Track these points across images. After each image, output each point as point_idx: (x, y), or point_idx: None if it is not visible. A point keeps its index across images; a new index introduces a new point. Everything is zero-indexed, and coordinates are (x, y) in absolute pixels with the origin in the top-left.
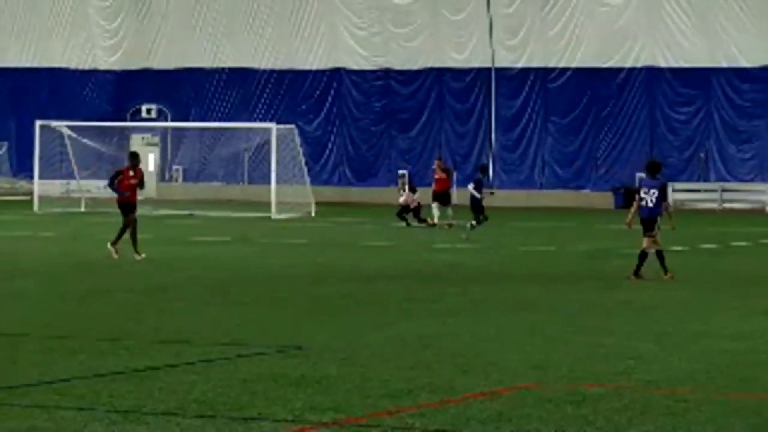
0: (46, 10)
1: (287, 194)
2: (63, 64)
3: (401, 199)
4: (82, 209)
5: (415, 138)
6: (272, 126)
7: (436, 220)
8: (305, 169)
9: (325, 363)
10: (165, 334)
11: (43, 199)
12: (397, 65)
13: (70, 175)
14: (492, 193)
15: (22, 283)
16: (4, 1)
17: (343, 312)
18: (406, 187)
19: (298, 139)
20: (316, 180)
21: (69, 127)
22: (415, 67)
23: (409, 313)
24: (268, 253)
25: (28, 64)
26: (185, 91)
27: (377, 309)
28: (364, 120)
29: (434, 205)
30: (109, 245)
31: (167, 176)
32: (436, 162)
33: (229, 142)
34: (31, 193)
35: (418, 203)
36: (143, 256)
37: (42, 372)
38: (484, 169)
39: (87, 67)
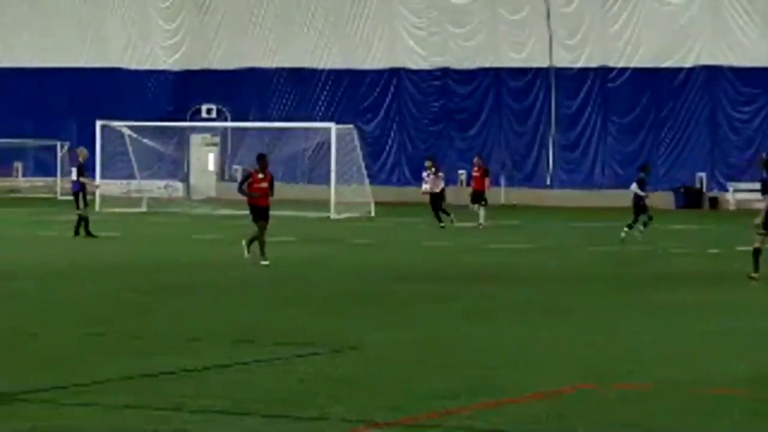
0: (107, 11)
1: (346, 194)
2: (123, 65)
3: (426, 186)
4: (143, 209)
5: (474, 138)
6: (331, 126)
7: (482, 221)
8: (364, 169)
9: (383, 363)
10: (229, 333)
11: (105, 199)
12: (456, 65)
13: (131, 175)
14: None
15: (93, 282)
16: (66, 1)
17: (400, 311)
18: (432, 170)
19: (357, 139)
20: (375, 180)
21: (129, 127)
22: (473, 66)
23: (467, 314)
24: (327, 253)
25: (88, 65)
26: (245, 90)
27: (435, 309)
28: (423, 120)
29: (474, 206)
30: (243, 242)
31: (227, 176)
32: (475, 159)
33: (289, 142)
34: (92, 193)
35: (443, 190)
36: (267, 262)
37: (112, 370)
38: (647, 168)
39: (147, 67)
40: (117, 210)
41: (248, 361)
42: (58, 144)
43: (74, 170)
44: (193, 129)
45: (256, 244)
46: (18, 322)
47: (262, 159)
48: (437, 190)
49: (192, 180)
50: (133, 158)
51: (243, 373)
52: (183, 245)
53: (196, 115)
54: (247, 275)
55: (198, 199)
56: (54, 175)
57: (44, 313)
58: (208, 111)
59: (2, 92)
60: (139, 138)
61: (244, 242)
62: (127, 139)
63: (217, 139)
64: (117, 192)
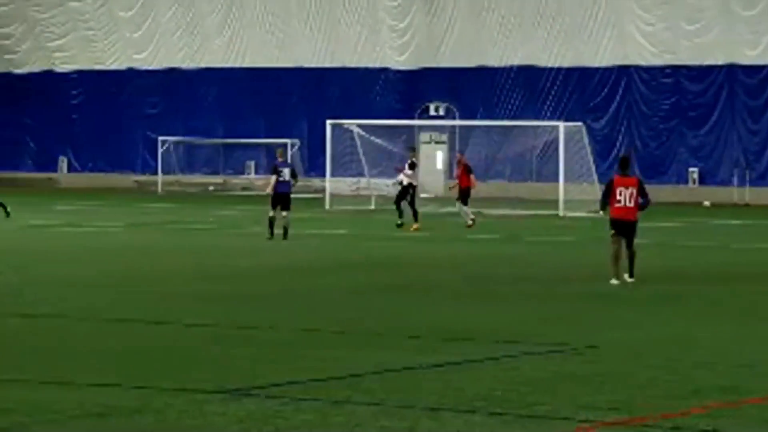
0: (338, 11)
1: (575, 192)
2: (353, 64)
3: (400, 177)
4: (372, 207)
5: (706, 135)
6: (560, 124)
7: (470, 218)
8: (593, 167)
9: (611, 362)
10: (447, 331)
11: (334, 197)
12: (687, 61)
13: (360, 173)
14: None
15: (318, 279)
16: (298, 1)
17: (625, 311)
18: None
19: (586, 137)
20: (604, 178)
21: (359, 125)
22: (706, 63)
23: (701, 314)
24: (555, 251)
25: (319, 64)
26: (473, 89)
27: (668, 309)
28: (653, 117)
29: (460, 205)
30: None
31: (455, 174)
32: (458, 156)
33: (517, 140)
34: (322, 191)
35: (411, 184)
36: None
37: (333, 367)
38: None
39: (377, 66)
40: (346, 208)
41: (475, 358)
42: (289, 143)
43: (287, 170)
44: (422, 127)
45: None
46: (247, 319)
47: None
48: (415, 183)
49: (420, 178)
50: (362, 157)
51: (469, 371)
52: (409, 243)
53: (424, 114)
54: (470, 273)
55: (426, 197)
56: None
57: (269, 309)
58: (437, 109)
59: (236, 92)
60: (368, 136)
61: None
62: (357, 138)
63: (445, 138)
64: (346, 190)
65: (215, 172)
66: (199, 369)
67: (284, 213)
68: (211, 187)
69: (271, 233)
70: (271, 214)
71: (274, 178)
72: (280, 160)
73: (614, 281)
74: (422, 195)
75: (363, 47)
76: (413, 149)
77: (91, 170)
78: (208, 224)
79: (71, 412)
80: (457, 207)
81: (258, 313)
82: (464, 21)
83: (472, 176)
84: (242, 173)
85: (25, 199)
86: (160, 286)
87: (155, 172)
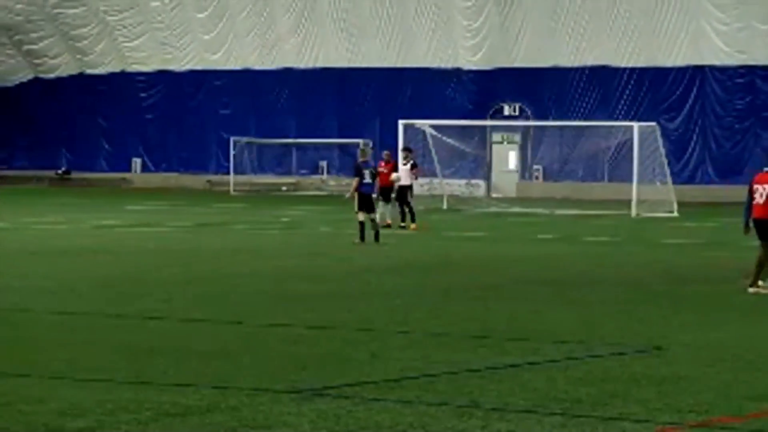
0: (411, 11)
1: (648, 193)
2: (426, 64)
3: (395, 176)
4: (444, 207)
5: None
6: (633, 124)
7: (388, 220)
8: (667, 168)
9: (685, 363)
10: (520, 331)
11: None
12: (762, 61)
13: (432, 173)
14: None
15: (389, 279)
16: (372, 2)
17: (702, 312)
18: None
19: (659, 138)
20: (677, 179)
21: (431, 126)
22: None
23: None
24: (623, 251)
25: (392, 64)
26: (546, 89)
27: (741, 311)
28: (727, 117)
29: (381, 203)
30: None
31: (527, 175)
32: (384, 154)
33: (589, 141)
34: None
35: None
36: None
37: (405, 367)
38: None
39: (449, 66)
40: (418, 208)
41: (548, 359)
42: (361, 143)
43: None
44: (494, 127)
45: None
46: (321, 319)
47: None
48: (409, 183)
49: (493, 178)
50: (434, 157)
51: (543, 371)
52: (480, 244)
53: (497, 114)
54: (542, 273)
55: (498, 197)
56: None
57: (342, 309)
58: (510, 109)
59: (308, 92)
60: (441, 137)
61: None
62: (429, 138)
63: (517, 138)
64: (419, 190)
65: (288, 173)
66: (273, 369)
67: (371, 215)
68: (283, 188)
69: (362, 237)
70: (361, 218)
71: (357, 180)
72: (362, 160)
73: (752, 289)
74: (493, 195)
75: (436, 47)
76: (409, 150)
77: (164, 171)
78: (280, 224)
79: (148, 411)
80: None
81: (331, 313)
82: (537, 21)
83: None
84: (315, 173)
85: (98, 199)
86: (237, 286)
87: (228, 173)
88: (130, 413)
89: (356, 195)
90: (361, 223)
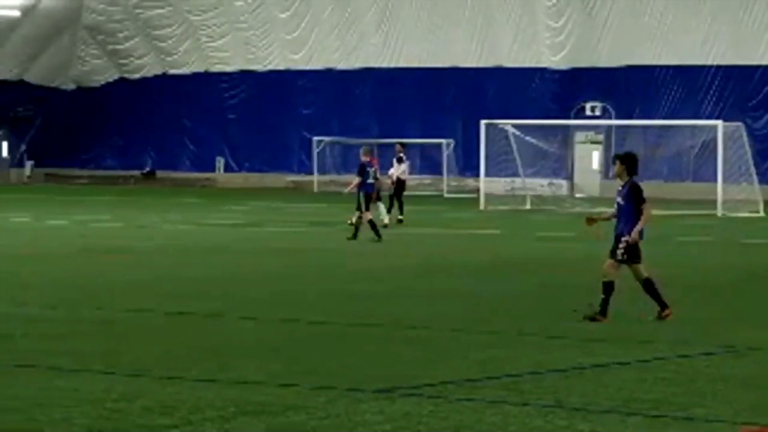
0: (494, 10)
1: (733, 192)
2: (509, 63)
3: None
4: (527, 207)
5: None
6: (718, 123)
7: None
8: (753, 168)
9: None
10: (604, 332)
11: (488, 197)
12: None
13: (515, 173)
14: None
15: (471, 279)
16: (455, 1)
17: None
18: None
19: (745, 137)
20: (763, 178)
21: (513, 125)
22: None
23: None
24: (713, 251)
25: (474, 64)
26: (630, 88)
27: None
28: None
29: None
30: None
31: (611, 174)
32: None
33: (674, 140)
34: (476, 191)
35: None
36: None
37: (489, 367)
38: None
39: (532, 65)
40: (501, 208)
41: (632, 359)
42: (444, 143)
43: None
44: (577, 127)
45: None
46: (403, 318)
47: None
48: (404, 178)
49: (576, 178)
50: (517, 156)
51: (626, 372)
52: (561, 243)
53: (580, 113)
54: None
55: (581, 197)
56: (440, 173)
57: (424, 308)
58: (593, 109)
59: (391, 92)
60: (523, 136)
61: None
62: (512, 138)
63: (601, 137)
64: (501, 190)
65: None
66: (355, 368)
67: (368, 215)
68: None
69: (355, 235)
70: (369, 216)
71: (359, 179)
72: (366, 159)
73: None
74: (577, 195)
75: (518, 47)
76: (402, 145)
77: (248, 170)
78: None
79: (233, 409)
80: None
81: (413, 312)
82: (621, 19)
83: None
84: None
85: (183, 199)
86: (321, 285)
87: (311, 172)
88: (215, 410)
89: (360, 194)
90: (372, 221)
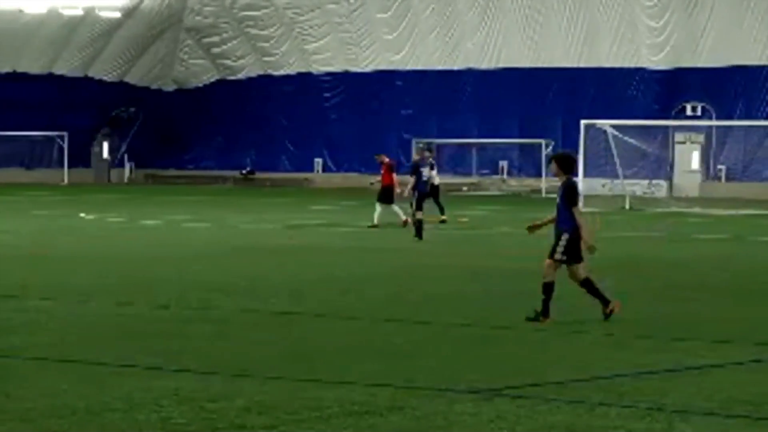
0: (594, 10)
1: None
2: (609, 64)
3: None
4: (626, 207)
5: None
6: None
7: (376, 221)
8: None
9: None
10: (706, 332)
11: (587, 197)
12: None
13: (613, 174)
14: None
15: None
16: (556, 1)
17: None
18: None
19: None
20: None
21: (613, 126)
22: None
23: None
24: None
25: (574, 64)
26: (732, 88)
27: None
28: None
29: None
30: None
31: (711, 175)
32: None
33: None
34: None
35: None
36: None
37: (588, 368)
38: None
39: (632, 65)
40: (599, 209)
41: (735, 361)
42: (543, 143)
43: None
44: (677, 127)
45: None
46: (501, 319)
47: None
48: (436, 183)
49: (675, 179)
50: (616, 157)
51: (728, 374)
52: (658, 244)
53: (680, 114)
54: (726, 273)
55: (681, 198)
56: (539, 174)
57: (524, 309)
58: (693, 109)
59: (490, 92)
60: (622, 137)
61: None
62: (611, 138)
63: (701, 138)
64: (599, 191)
65: (468, 173)
66: (452, 368)
67: (419, 214)
68: (464, 188)
69: (420, 235)
70: (420, 216)
71: (414, 178)
72: (420, 158)
73: None
74: (676, 195)
75: (619, 46)
76: (429, 150)
77: (346, 170)
78: (459, 225)
79: (329, 410)
80: (378, 207)
81: (511, 313)
82: (723, 19)
83: (393, 174)
84: (495, 173)
85: (282, 199)
86: (425, 286)
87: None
88: (312, 411)
89: (414, 193)
90: (420, 221)
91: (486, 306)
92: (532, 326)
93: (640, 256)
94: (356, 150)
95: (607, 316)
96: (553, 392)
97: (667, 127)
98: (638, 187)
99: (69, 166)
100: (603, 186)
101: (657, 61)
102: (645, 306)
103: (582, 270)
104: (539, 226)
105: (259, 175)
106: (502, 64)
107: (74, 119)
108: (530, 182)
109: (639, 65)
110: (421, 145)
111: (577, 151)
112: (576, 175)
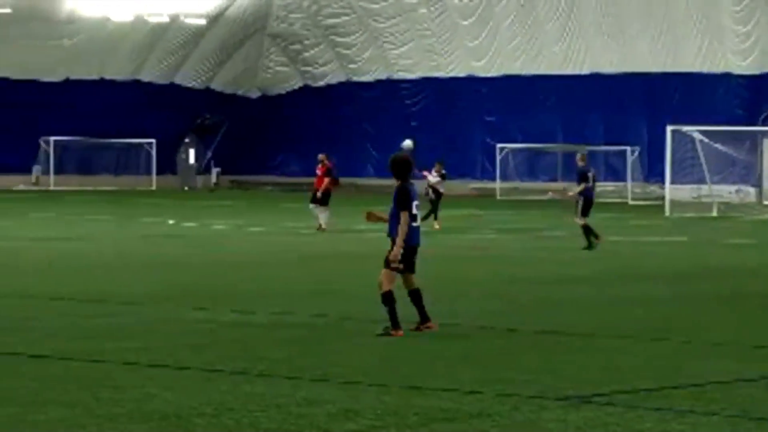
0: (678, 15)
1: None
2: (695, 69)
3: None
4: (714, 214)
5: None
6: None
7: (322, 222)
8: None
9: None
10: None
11: (674, 204)
12: None
13: (701, 180)
14: None
15: (647, 286)
16: (640, 6)
17: None
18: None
19: None
20: None
21: (700, 131)
22: None
23: None
24: None
25: (660, 69)
26: None
27: None
28: None
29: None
30: None
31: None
32: (320, 157)
33: None
34: (662, 198)
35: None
36: None
37: (676, 376)
38: None
39: (719, 71)
40: (687, 215)
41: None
42: (628, 149)
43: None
44: (766, 133)
45: None
46: (580, 326)
47: None
48: (441, 190)
49: (765, 185)
50: (703, 163)
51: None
52: (753, 251)
53: None
54: None
55: None
56: (624, 179)
57: (607, 317)
58: None
59: (574, 98)
60: (710, 142)
61: None
62: (698, 144)
63: None
64: (687, 197)
65: (553, 179)
66: (541, 375)
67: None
68: (549, 194)
69: (590, 241)
70: (582, 222)
71: (584, 184)
72: (584, 164)
73: None
74: (765, 202)
75: (705, 52)
76: (440, 161)
77: None
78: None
79: (415, 416)
80: (311, 208)
81: (600, 320)
82: None
83: (331, 178)
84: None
85: (362, 205)
86: (517, 291)
87: (493, 179)
88: (398, 417)
89: (580, 198)
90: (588, 227)
91: (576, 313)
92: (614, 333)
93: (726, 263)
94: (440, 156)
95: (419, 330)
96: (641, 399)
97: (755, 132)
98: (726, 193)
99: (156, 173)
100: (691, 192)
101: (744, 66)
102: (730, 313)
103: (414, 280)
104: (377, 218)
105: (343, 181)
106: (585, 71)
107: (160, 126)
108: (615, 188)
109: (726, 70)
110: (582, 153)
111: (662, 158)
112: (410, 180)
